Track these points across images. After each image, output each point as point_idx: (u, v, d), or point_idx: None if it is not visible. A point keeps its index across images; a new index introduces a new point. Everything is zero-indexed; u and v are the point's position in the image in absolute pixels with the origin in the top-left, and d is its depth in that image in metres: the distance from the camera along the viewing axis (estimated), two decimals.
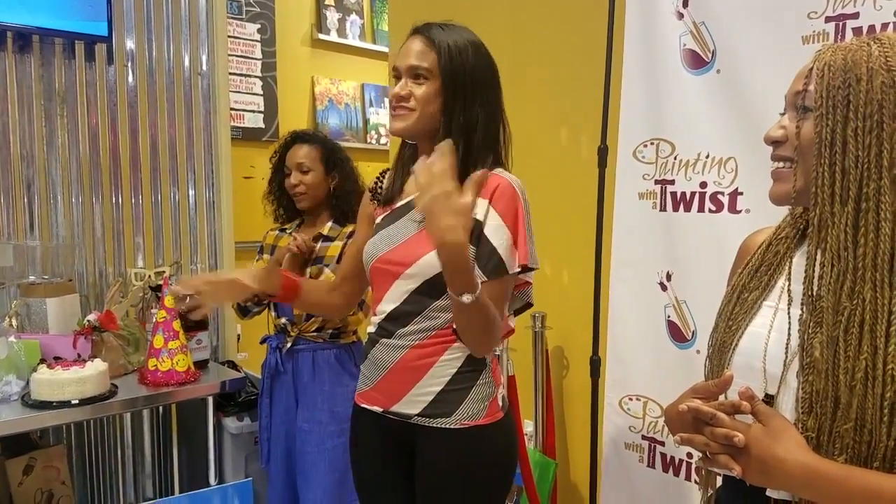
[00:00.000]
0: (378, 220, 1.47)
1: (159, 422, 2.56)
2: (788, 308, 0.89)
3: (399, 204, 1.44)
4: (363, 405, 1.45)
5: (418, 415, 1.37)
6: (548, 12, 2.30)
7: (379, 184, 1.51)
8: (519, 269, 1.34)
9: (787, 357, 0.87)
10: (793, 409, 0.85)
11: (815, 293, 0.85)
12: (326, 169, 2.14)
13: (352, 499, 1.56)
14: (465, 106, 1.35)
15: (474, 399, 1.37)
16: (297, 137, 2.20)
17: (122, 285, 2.31)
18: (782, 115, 0.92)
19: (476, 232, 1.31)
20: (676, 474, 1.85)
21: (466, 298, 1.22)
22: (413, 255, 1.34)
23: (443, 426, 1.35)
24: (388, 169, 1.52)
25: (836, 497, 0.79)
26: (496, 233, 1.32)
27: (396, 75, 1.38)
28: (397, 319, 1.38)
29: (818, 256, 0.85)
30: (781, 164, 0.90)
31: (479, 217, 1.32)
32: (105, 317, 2.11)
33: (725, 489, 0.98)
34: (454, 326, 1.33)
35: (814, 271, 0.85)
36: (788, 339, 0.87)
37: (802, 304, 0.86)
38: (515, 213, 1.33)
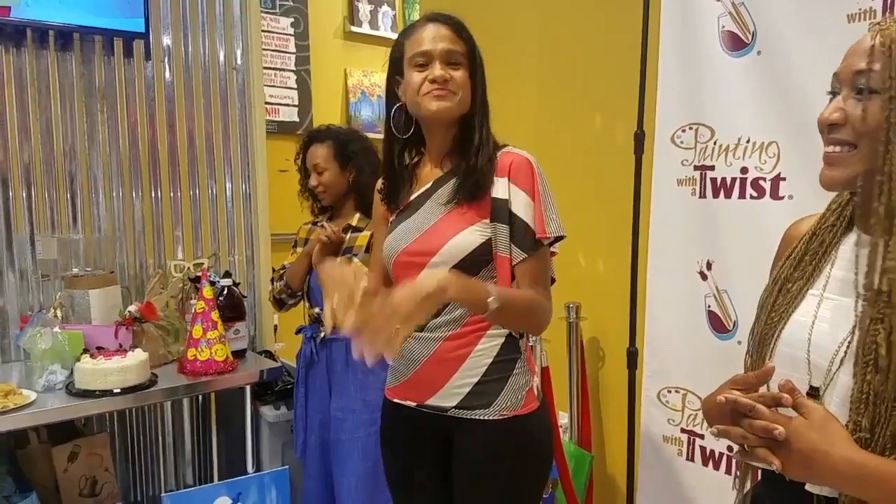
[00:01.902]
0: (392, 217, 1.47)
1: (199, 410, 2.60)
2: (819, 297, 0.85)
3: (411, 199, 1.43)
4: (395, 400, 1.45)
5: (456, 407, 1.36)
6: None
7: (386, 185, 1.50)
8: (553, 239, 1.34)
9: (837, 349, 0.83)
10: (840, 403, 0.82)
11: (878, 287, 0.80)
12: (341, 165, 2.16)
13: (385, 488, 1.56)
14: (483, 91, 1.40)
15: (512, 389, 1.36)
16: (312, 138, 2.24)
17: (162, 277, 2.35)
18: (832, 94, 0.86)
19: (504, 211, 1.33)
20: (716, 468, 1.81)
21: (494, 305, 1.20)
22: (437, 243, 1.34)
23: (482, 417, 1.35)
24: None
25: (882, 491, 0.76)
26: (524, 208, 1.33)
27: (425, 61, 1.35)
28: None
29: (881, 248, 0.81)
30: (839, 148, 0.84)
31: (504, 196, 1.33)
32: (146, 308, 2.15)
33: (765, 484, 0.95)
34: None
35: (876, 263, 0.81)
36: (852, 334, 0.83)
37: (860, 297, 0.82)
38: (533, 186, 1.34)
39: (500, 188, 1.34)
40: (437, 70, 1.33)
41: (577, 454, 2.20)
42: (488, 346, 1.36)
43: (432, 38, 1.35)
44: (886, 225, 0.80)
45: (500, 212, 1.33)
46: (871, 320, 0.80)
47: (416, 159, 1.48)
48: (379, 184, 1.51)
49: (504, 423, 1.35)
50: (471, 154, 1.36)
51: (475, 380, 1.35)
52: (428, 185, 1.41)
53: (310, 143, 2.23)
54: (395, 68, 1.41)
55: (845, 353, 0.83)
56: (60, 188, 2.35)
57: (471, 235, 1.33)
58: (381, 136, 1.51)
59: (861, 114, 0.81)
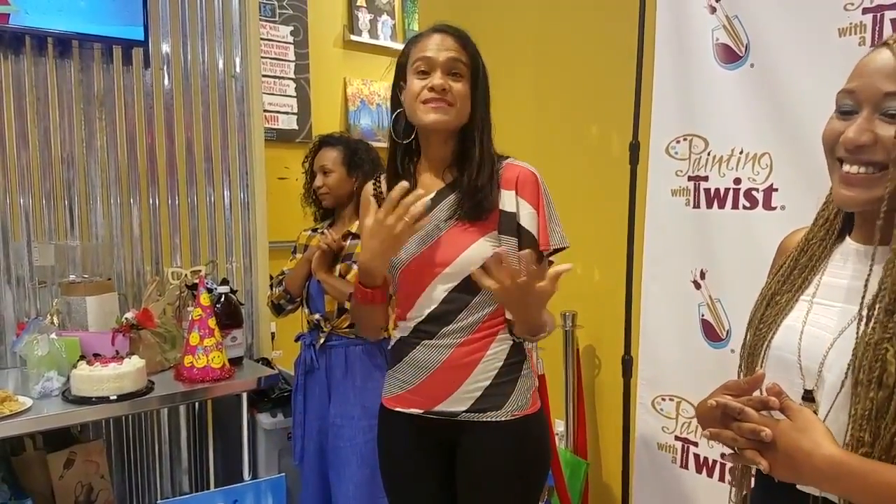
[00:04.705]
0: None
1: (195, 417, 2.60)
2: (809, 304, 0.86)
3: None
4: (397, 409, 1.45)
5: (467, 411, 1.38)
6: (578, 7, 2.29)
7: (379, 189, 1.47)
8: (553, 251, 1.38)
9: (827, 352, 0.85)
10: (828, 404, 0.84)
11: (888, 305, 0.80)
12: (349, 170, 2.19)
13: (383, 495, 1.57)
14: (485, 105, 1.41)
15: (521, 390, 1.40)
16: (323, 142, 2.28)
17: (159, 284, 2.35)
18: (847, 112, 0.84)
19: (513, 224, 1.36)
20: (710, 475, 1.82)
21: (546, 333, 1.35)
22: (451, 254, 1.35)
23: (493, 419, 1.37)
24: (381, 173, 1.50)
25: (864, 491, 0.78)
26: (531, 221, 1.37)
27: (427, 69, 1.35)
28: (438, 319, 1.38)
29: None
30: (863, 169, 0.83)
31: (511, 209, 1.36)
32: (143, 315, 2.16)
33: (758, 488, 0.97)
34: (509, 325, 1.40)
35: (888, 281, 0.81)
36: (858, 341, 0.82)
37: (869, 314, 0.82)
38: (538, 199, 1.37)
39: (508, 201, 1.36)
40: (436, 79, 1.34)
41: (573, 462, 2.21)
42: (498, 349, 1.39)
43: (437, 46, 1.36)
44: None
45: (509, 224, 1.36)
46: (879, 339, 0.80)
47: (415, 161, 1.46)
48: (370, 187, 1.49)
49: (513, 424, 1.38)
50: (471, 170, 1.37)
51: (487, 383, 1.37)
52: (430, 196, 1.40)
53: (321, 146, 2.27)
54: (399, 74, 1.42)
55: (829, 353, 0.85)
56: (58, 195, 2.36)
57: (482, 246, 1.35)
58: (381, 145, 1.52)
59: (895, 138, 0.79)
